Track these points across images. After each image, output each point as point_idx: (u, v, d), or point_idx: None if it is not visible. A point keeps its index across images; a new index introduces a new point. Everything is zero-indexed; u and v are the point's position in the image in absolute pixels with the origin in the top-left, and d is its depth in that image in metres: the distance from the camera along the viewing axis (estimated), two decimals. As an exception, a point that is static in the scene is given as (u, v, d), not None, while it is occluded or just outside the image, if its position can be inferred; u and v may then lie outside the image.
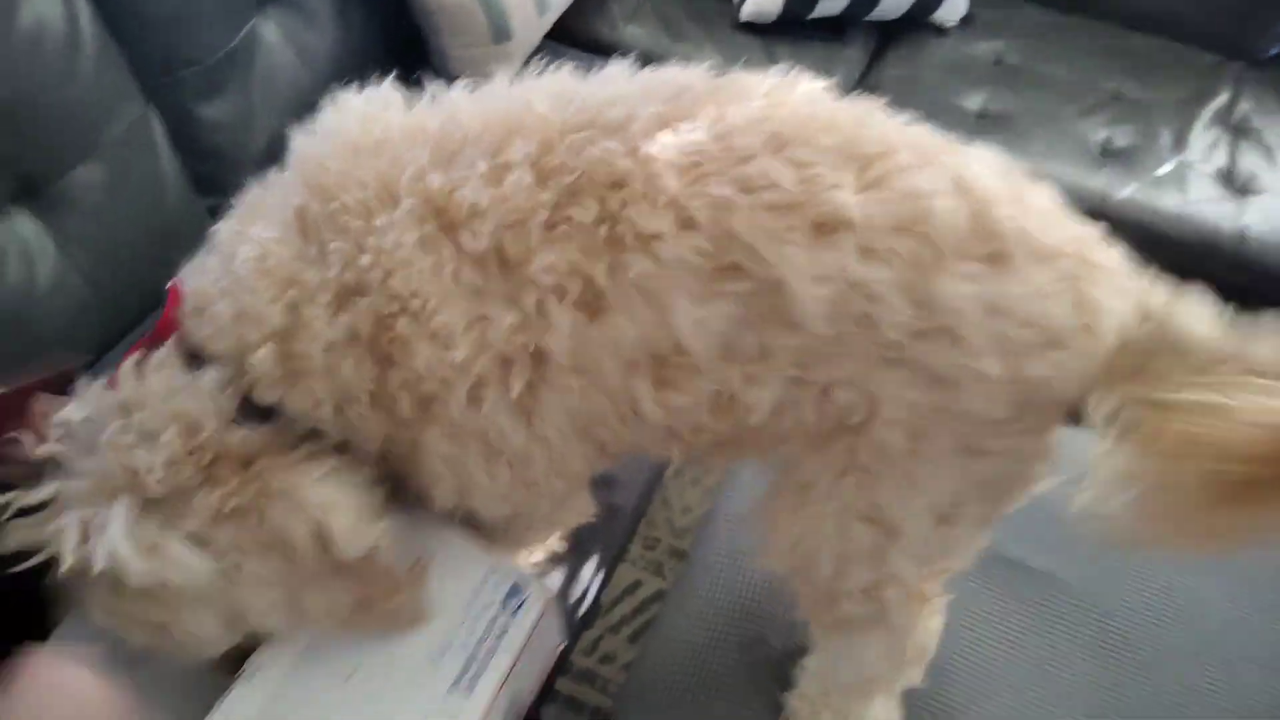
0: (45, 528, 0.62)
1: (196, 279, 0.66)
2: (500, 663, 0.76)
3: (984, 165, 0.61)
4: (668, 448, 0.69)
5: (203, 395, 0.63)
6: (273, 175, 0.67)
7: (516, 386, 0.61)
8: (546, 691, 0.90)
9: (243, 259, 0.62)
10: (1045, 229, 0.59)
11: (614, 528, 1.03)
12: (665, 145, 0.59)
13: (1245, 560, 1.01)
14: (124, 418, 0.63)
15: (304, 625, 0.69)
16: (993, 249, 0.58)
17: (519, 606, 0.78)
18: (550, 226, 0.59)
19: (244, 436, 0.63)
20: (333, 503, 0.63)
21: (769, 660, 0.96)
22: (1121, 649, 0.95)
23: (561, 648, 0.91)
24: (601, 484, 1.00)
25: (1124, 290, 0.61)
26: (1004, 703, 0.92)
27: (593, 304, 0.59)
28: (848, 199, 0.57)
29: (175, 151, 1.15)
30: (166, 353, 0.66)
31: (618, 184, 0.59)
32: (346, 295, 0.60)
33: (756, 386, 0.62)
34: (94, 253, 1.05)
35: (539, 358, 0.61)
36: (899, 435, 0.62)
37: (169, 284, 0.69)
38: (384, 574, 0.69)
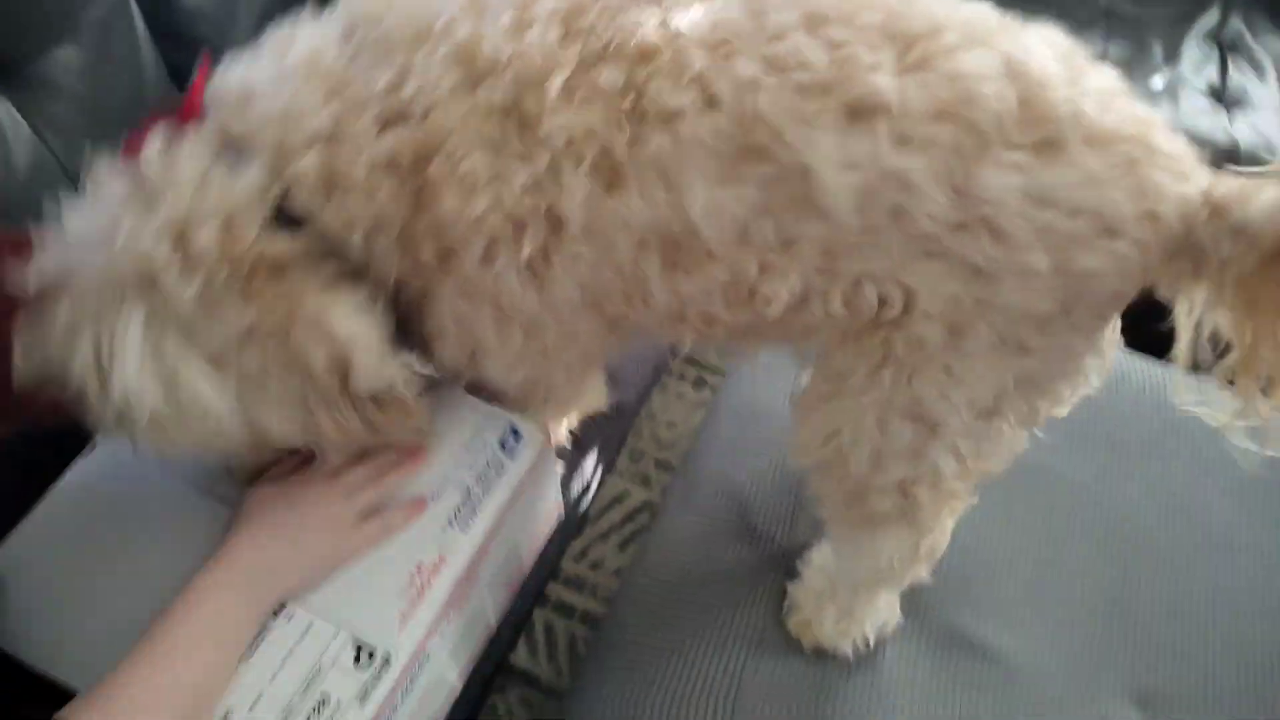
0: (56, 353, 0.60)
1: (243, 70, 0.63)
2: (495, 501, 0.78)
3: (1043, 46, 0.58)
4: (679, 333, 0.68)
5: (243, 193, 0.59)
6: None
7: (527, 249, 0.59)
8: (537, 595, 0.90)
9: (294, 58, 0.60)
10: (1104, 111, 0.56)
11: (615, 424, 1.03)
12: (696, 21, 0.57)
13: (1243, 462, 1.03)
14: (146, 208, 0.59)
15: (318, 443, 0.68)
16: (1043, 135, 0.55)
17: (515, 448, 0.80)
18: (571, 89, 0.57)
19: (281, 245, 0.60)
20: (358, 336, 0.62)
21: (771, 553, 0.97)
22: (1124, 542, 0.97)
23: (560, 515, 0.93)
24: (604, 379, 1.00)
25: (1189, 175, 0.57)
26: (1007, 593, 0.94)
27: (609, 175, 0.57)
28: (885, 81, 0.55)
29: (154, 39, 1.10)
30: (199, 140, 0.62)
31: (646, 56, 0.56)
32: (391, 119, 0.58)
33: (776, 277, 0.60)
34: (71, 139, 1.00)
35: (553, 222, 0.59)
36: (937, 329, 0.60)
37: (202, 53, 0.65)
38: (398, 404, 0.68)
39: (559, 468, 0.91)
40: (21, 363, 0.61)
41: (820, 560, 0.93)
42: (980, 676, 0.90)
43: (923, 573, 0.86)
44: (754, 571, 0.97)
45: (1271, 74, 1.65)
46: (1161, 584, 0.95)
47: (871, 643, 0.90)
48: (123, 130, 1.07)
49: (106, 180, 0.62)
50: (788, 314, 0.62)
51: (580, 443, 0.98)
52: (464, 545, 0.75)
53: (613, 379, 1.02)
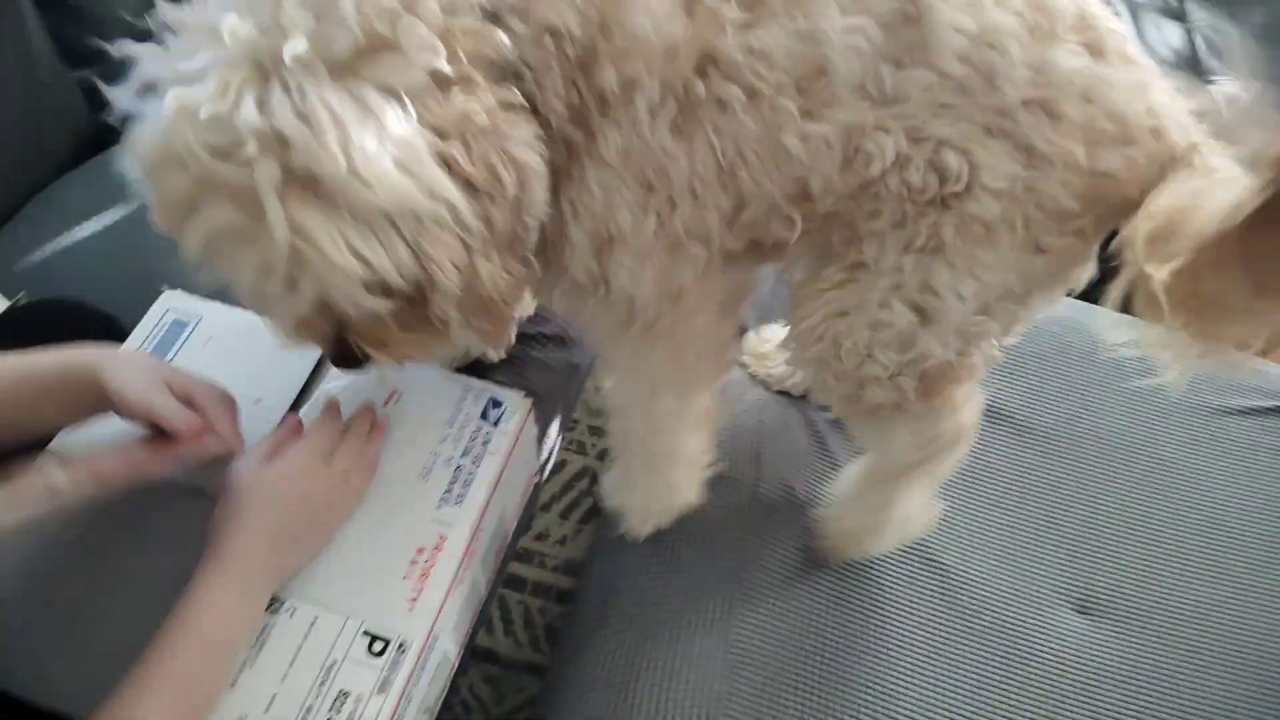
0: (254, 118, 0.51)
1: None
2: (488, 470, 0.78)
3: None
4: (784, 223, 0.69)
5: None
6: None
7: (697, 90, 0.61)
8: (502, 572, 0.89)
9: None
10: (1126, 41, 0.65)
11: (573, 385, 1.02)
12: None
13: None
14: None
15: (467, 292, 0.59)
16: (1092, 39, 0.63)
17: (498, 417, 0.81)
18: None
19: (489, 41, 0.57)
20: (535, 166, 0.59)
21: (741, 495, 0.99)
22: (1051, 461, 1.05)
23: (535, 479, 0.92)
24: (559, 343, 0.99)
25: (1180, 106, 0.65)
26: (948, 511, 0.98)
27: (754, 5, 0.61)
28: None
29: (43, 17, 1.03)
30: None
31: None
32: None
33: (883, 134, 0.64)
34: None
35: (705, 67, 0.61)
36: (991, 209, 0.65)
37: None
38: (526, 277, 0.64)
39: (534, 433, 0.90)
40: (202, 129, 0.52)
41: (851, 470, 0.94)
42: (941, 588, 0.95)
43: (955, 458, 0.86)
44: (728, 514, 0.98)
45: (1118, 3, 1.75)
46: (1090, 498, 1.02)
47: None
48: (16, 117, 1.00)
49: None
50: (874, 183, 0.66)
51: (544, 406, 0.96)
52: (463, 521, 0.74)
53: (568, 341, 1.01)
